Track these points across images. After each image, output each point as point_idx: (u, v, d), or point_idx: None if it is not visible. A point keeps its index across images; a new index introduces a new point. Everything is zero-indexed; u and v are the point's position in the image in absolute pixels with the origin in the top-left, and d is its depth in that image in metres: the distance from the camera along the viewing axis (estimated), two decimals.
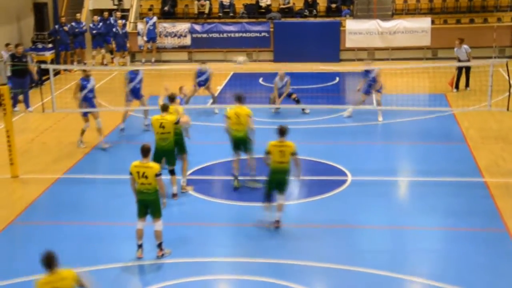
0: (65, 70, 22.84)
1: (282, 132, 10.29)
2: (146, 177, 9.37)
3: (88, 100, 14.64)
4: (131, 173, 9.48)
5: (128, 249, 9.93)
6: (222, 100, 18.62)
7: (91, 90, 14.68)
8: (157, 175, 9.39)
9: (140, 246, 9.60)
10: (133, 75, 15.94)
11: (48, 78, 15.59)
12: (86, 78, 14.69)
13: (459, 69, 19.19)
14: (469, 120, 16.16)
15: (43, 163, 14.08)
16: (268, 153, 10.30)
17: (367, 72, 16.50)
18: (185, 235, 10.31)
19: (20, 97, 18.52)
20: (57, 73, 21.97)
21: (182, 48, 25.16)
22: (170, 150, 11.71)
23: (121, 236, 10.47)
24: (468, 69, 19.07)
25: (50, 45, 22.71)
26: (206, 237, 10.49)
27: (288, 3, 25.48)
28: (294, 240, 10.35)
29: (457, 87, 19.29)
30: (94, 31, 24.26)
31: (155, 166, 9.47)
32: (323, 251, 9.90)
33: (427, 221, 10.83)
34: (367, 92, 16.57)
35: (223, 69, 22.61)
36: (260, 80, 21.46)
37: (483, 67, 17.30)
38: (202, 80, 17.60)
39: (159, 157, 11.57)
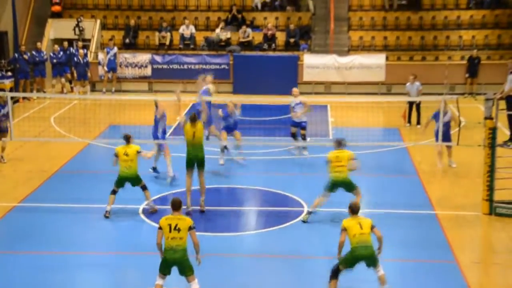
0: (23, 98, 22.76)
1: (355, 210, 9.43)
2: (179, 229, 8.77)
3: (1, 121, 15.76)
4: (160, 227, 8.86)
5: (83, 279, 9.93)
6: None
7: (5, 115, 15.62)
8: (191, 228, 8.87)
9: None
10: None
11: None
12: (2, 103, 15.72)
13: (410, 104, 19.82)
14: (421, 154, 16.67)
15: None
16: (344, 229, 9.27)
17: (437, 114, 14.81)
18: (144, 265, 10.35)
19: None
20: (16, 101, 21.87)
21: (142, 78, 25.35)
22: (133, 177, 12.47)
23: (77, 266, 10.46)
24: (418, 106, 19.68)
25: (9, 73, 22.62)
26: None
27: (248, 36, 25.98)
28: (249, 271, 10.49)
29: (409, 121, 19.90)
30: (55, 60, 24.27)
31: (188, 219, 8.93)
32: (278, 282, 10.07)
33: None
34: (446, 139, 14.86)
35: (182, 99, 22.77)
36: (219, 112, 21.70)
37: (434, 103, 17.95)
38: (231, 124, 15.97)
39: (122, 182, 12.47)
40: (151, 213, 12.49)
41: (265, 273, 10.42)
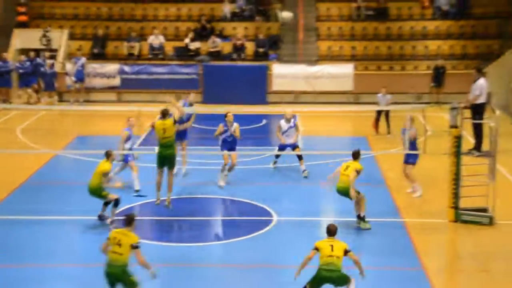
0: None
1: (331, 232, 9.39)
2: (120, 245, 8.67)
3: None
4: (108, 238, 8.86)
5: None
6: (153, 141, 18.65)
7: None
8: (134, 247, 8.68)
9: None
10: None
11: None
12: None
13: (379, 113, 20.05)
14: (389, 162, 16.86)
15: None
16: (315, 249, 9.22)
17: (404, 130, 14.24)
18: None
19: None
20: None
21: (111, 88, 25.18)
22: (90, 190, 12.19)
23: (45, 278, 10.34)
24: (387, 115, 19.91)
25: None
26: None
27: (216, 46, 26.02)
28: (218, 280, 10.49)
29: (377, 131, 20.12)
30: (21, 70, 24.03)
31: (133, 237, 8.77)
32: None
33: (349, 260, 11.21)
34: (407, 161, 14.11)
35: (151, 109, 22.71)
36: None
37: (401, 112, 18.19)
38: (228, 137, 14.70)
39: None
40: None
41: (234, 282, 10.42)
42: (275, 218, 13.02)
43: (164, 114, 12.43)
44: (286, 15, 26.09)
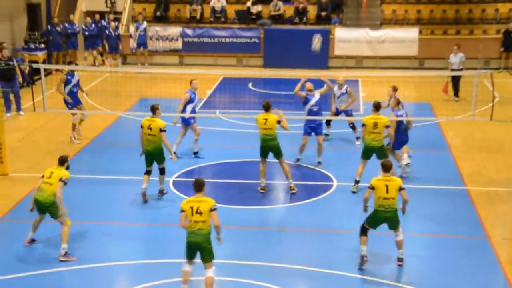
0: (56, 70, 22.91)
1: (386, 168, 9.54)
2: (201, 213, 8.48)
3: (72, 94, 15.21)
4: (182, 210, 8.58)
5: (117, 248, 10.08)
6: (213, 104, 18.78)
7: (76, 85, 15.34)
8: (212, 210, 8.53)
9: None
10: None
11: (40, 78, 15.69)
12: (71, 72, 15.26)
13: (452, 77, 19.55)
14: (453, 129, 16.45)
15: (32, 162, 14.18)
16: (371, 188, 9.44)
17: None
18: (172, 236, 10.42)
19: (11, 97, 18.53)
20: (48, 73, 22.08)
21: (173, 51, 25.36)
22: (157, 153, 11.90)
23: (109, 235, 10.62)
24: (458, 78, 19.39)
25: (42, 45, 22.83)
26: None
27: (279, 10, 25.76)
28: (278, 243, 10.56)
29: (447, 93, 19.66)
30: (87, 33, 24.44)
31: (210, 200, 8.58)
32: (306, 255, 10.11)
33: (411, 227, 11.02)
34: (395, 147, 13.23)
35: (213, 74, 22.81)
36: (250, 85, 21.69)
37: (468, 77, 17.65)
38: (313, 106, 13.92)
39: (148, 159, 11.99)
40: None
41: (293, 246, 10.47)
42: (335, 183, 12.94)
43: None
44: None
